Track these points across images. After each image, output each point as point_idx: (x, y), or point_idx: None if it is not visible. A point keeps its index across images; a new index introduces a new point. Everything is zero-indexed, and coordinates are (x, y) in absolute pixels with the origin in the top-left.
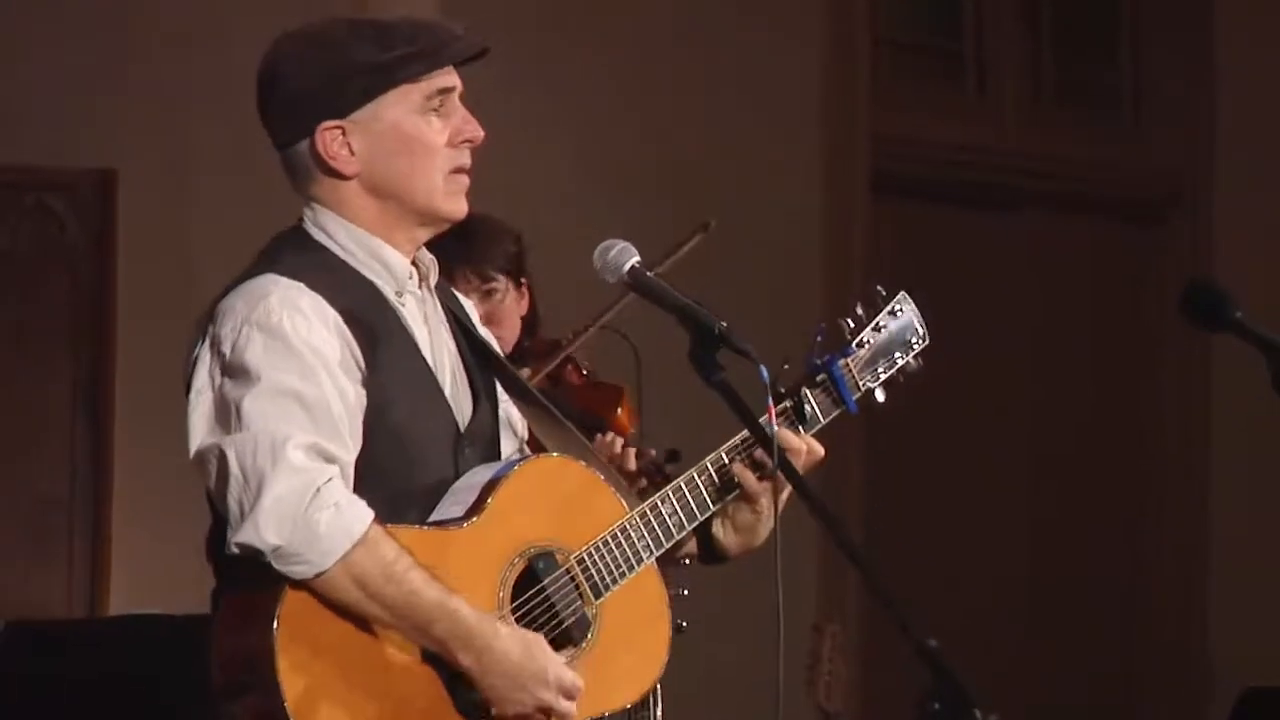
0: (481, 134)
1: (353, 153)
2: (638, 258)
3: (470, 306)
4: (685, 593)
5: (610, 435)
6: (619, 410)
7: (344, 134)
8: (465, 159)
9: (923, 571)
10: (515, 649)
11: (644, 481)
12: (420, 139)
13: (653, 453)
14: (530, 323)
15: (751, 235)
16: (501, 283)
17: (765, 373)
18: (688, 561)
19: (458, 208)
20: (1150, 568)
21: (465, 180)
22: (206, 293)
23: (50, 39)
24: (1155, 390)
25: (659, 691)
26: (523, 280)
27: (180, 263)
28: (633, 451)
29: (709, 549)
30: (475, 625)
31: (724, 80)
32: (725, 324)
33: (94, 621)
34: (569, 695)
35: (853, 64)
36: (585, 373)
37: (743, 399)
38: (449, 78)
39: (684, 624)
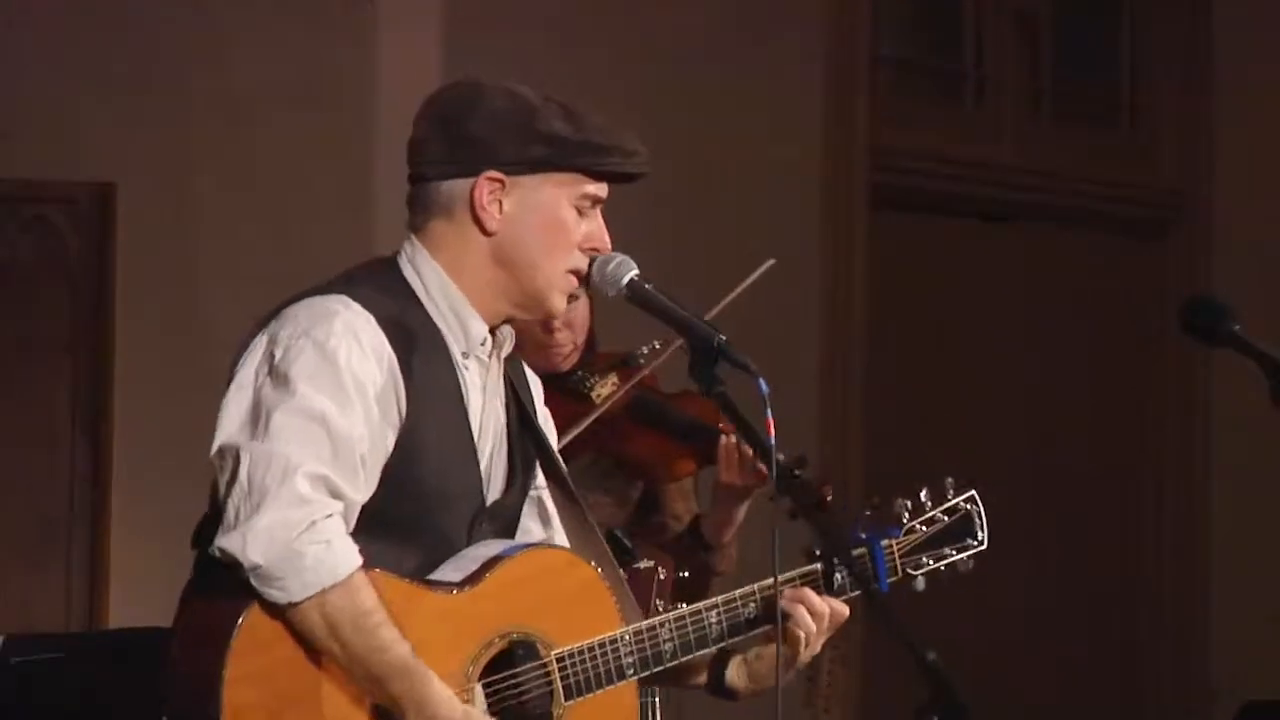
0: (609, 248)
1: (501, 211)
2: (636, 270)
3: (538, 386)
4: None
5: (735, 438)
6: (722, 424)
7: (503, 189)
8: (585, 264)
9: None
10: None
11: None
12: (565, 228)
13: (781, 457)
14: (590, 336)
15: (751, 248)
16: (581, 289)
17: (764, 386)
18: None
19: (560, 306)
20: (1151, 582)
21: (576, 284)
22: (206, 307)
23: (50, 52)
24: (1155, 405)
25: (657, 709)
26: (590, 291)
27: (180, 277)
28: None
29: (719, 686)
30: (432, 694)
31: (724, 97)
32: (725, 337)
33: (93, 635)
34: None
35: (852, 80)
36: (659, 386)
37: (742, 413)
38: (604, 187)
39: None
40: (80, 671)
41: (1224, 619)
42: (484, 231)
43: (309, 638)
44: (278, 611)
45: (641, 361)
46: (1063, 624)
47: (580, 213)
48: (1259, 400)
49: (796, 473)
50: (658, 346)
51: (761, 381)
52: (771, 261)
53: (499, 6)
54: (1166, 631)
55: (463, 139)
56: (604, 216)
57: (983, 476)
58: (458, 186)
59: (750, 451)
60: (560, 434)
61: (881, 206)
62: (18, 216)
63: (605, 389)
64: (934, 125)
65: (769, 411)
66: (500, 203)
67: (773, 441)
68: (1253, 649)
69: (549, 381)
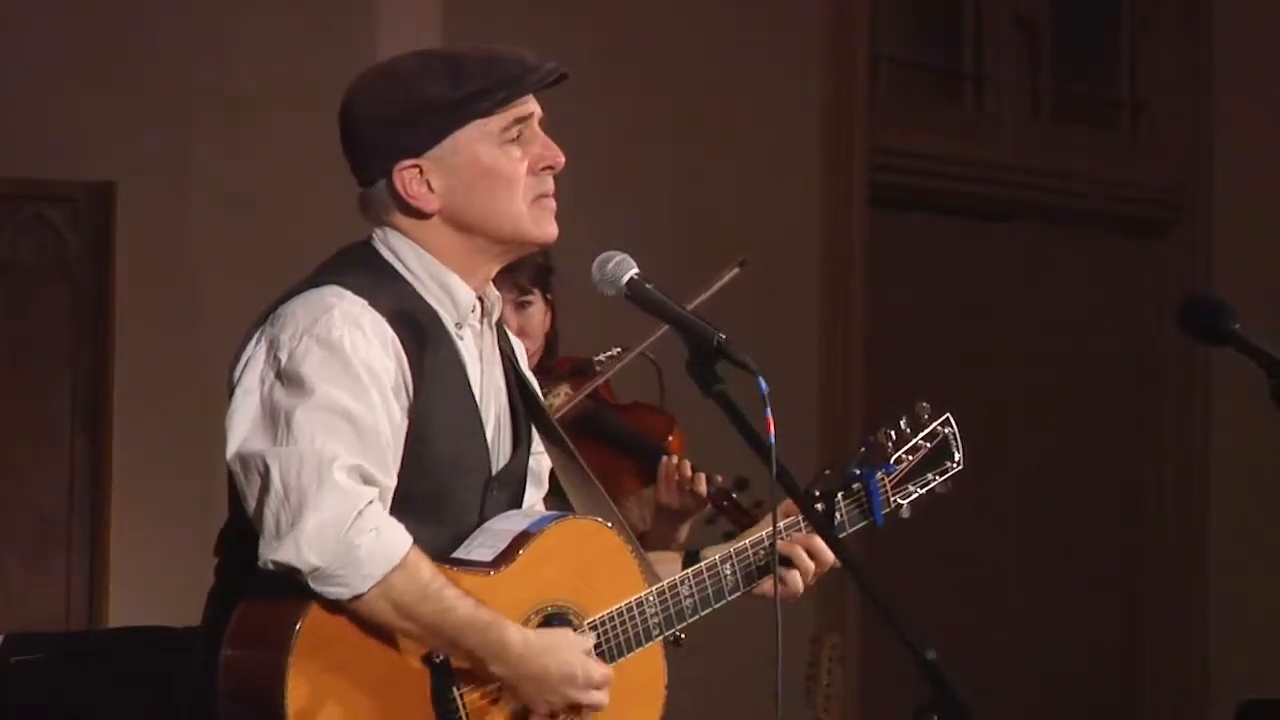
0: (562, 159)
1: (432, 189)
2: (636, 269)
3: (521, 349)
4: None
5: (677, 459)
6: (672, 437)
7: (422, 172)
8: (548, 185)
9: (922, 584)
10: (544, 655)
11: (710, 508)
12: (500, 171)
13: (720, 479)
14: (551, 340)
15: (750, 248)
16: (535, 295)
17: (764, 384)
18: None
19: (546, 232)
20: (1149, 582)
21: (552, 204)
22: (206, 306)
23: (49, 51)
24: (1154, 404)
25: None
26: (549, 295)
27: (179, 276)
28: (703, 476)
29: None
30: (506, 636)
31: (724, 96)
32: (724, 335)
33: (93, 634)
34: (598, 687)
35: (852, 80)
36: (614, 394)
37: (742, 412)
38: (525, 106)
39: (683, 635)
40: (80, 671)
41: (1223, 619)
42: (427, 214)
43: (380, 624)
44: (338, 609)
45: (598, 369)
46: (1062, 623)
47: (513, 142)
48: (1259, 400)
49: (734, 495)
50: (617, 353)
51: (761, 380)
52: (737, 269)
53: (498, 6)
54: (1166, 631)
55: (362, 143)
56: (602, 215)
57: (982, 475)
58: (384, 186)
59: (689, 473)
60: None
61: (881, 206)
62: (17, 215)
63: (557, 399)
64: (934, 125)
65: (768, 410)
66: (428, 183)
67: (773, 440)
68: (1252, 649)
69: None
